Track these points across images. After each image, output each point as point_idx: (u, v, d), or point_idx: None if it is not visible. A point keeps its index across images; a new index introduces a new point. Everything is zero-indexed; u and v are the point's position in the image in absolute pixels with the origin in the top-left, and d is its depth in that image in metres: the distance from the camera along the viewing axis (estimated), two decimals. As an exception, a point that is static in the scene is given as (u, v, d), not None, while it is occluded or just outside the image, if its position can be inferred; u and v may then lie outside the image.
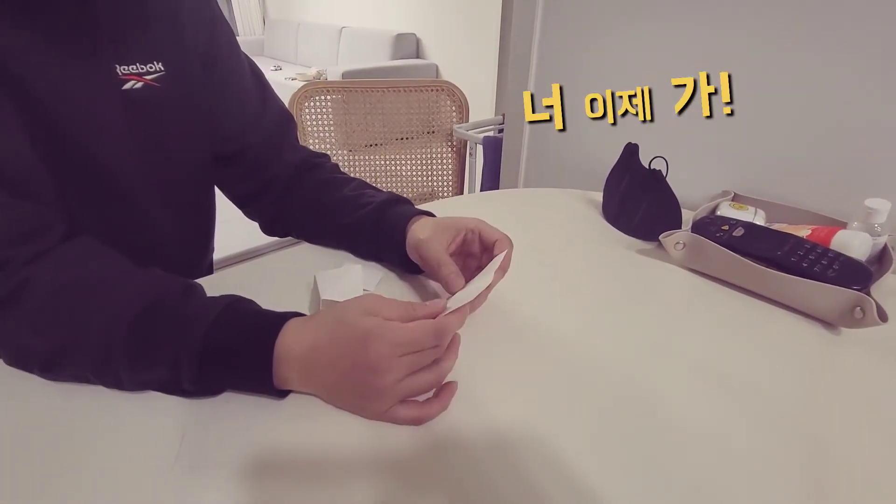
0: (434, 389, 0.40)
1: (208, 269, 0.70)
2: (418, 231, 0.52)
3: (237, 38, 0.58)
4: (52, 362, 0.39)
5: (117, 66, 0.46)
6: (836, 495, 0.35)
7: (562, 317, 0.53)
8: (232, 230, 0.89)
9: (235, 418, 0.38)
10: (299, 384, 0.39)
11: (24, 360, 0.40)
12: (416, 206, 0.59)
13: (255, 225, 0.68)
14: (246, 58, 0.60)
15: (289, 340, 0.37)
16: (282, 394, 0.39)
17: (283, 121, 0.64)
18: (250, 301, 0.42)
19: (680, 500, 0.34)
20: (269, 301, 0.42)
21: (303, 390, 0.40)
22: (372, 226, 0.56)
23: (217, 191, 0.65)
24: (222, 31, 0.56)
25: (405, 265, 0.55)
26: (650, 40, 0.85)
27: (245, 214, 0.67)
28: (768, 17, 0.72)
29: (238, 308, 0.40)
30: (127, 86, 0.47)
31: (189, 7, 0.51)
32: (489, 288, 0.46)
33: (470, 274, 0.51)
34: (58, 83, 0.43)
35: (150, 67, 0.48)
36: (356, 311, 0.38)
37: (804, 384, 0.45)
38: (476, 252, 0.53)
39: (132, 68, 0.47)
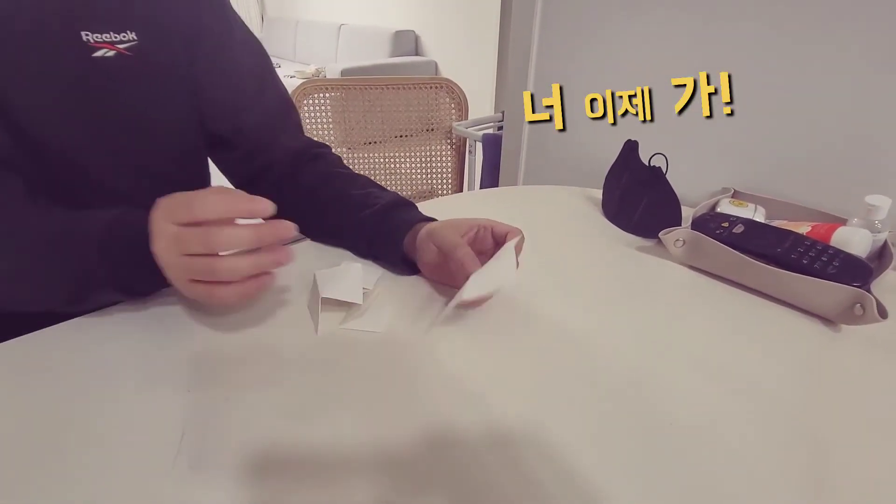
0: None
1: None
2: (431, 224, 0.53)
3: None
4: None
5: (87, 33, 0.45)
6: (836, 492, 0.35)
7: (561, 314, 0.53)
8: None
9: (235, 417, 0.38)
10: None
11: None
12: (421, 213, 0.58)
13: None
14: (251, 38, 0.59)
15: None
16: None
17: (283, 106, 0.62)
18: None
19: (679, 495, 0.34)
20: (270, 299, 0.42)
21: None
22: (374, 226, 0.56)
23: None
24: (209, 6, 0.54)
25: (403, 267, 0.55)
26: (650, 39, 0.85)
27: None
28: (768, 15, 0.72)
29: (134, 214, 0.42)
30: (98, 53, 0.45)
31: None
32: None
33: None
34: (22, 54, 0.42)
35: (124, 37, 0.47)
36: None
37: (804, 381, 0.45)
38: (489, 249, 0.52)
39: (104, 37, 0.46)
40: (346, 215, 0.58)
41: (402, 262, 0.55)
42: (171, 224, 0.37)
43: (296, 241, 0.65)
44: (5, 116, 0.43)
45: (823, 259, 0.54)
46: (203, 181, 0.62)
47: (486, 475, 0.35)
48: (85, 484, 0.33)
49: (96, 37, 0.45)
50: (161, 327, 0.48)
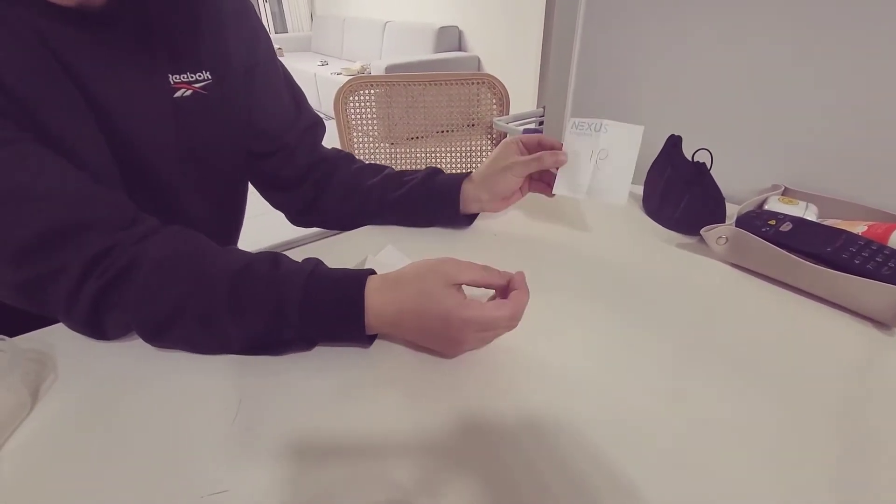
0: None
1: None
2: (477, 178, 0.63)
3: (287, 34, 0.63)
4: (161, 328, 0.43)
5: (170, 75, 0.50)
6: (880, 499, 0.34)
7: (599, 310, 0.53)
8: (268, 222, 0.94)
9: (287, 393, 0.41)
10: (388, 333, 0.46)
11: (138, 330, 0.44)
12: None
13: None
14: (282, 65, 0.65)
15: (376, 302, 0.42)
16: (371, 340, 0.45)
17: (315, 123, 0.69)
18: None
19: (716, 496, 0.34)
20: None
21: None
22: (425, 192, 0.63)
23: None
24: (262, 41, 0.60)
25: (457, 221, 0.65)
26: (695, 31, 0.83)
27: (273, 205, 0.72)
28: (822, 4, 0.68)
29: (324, 268, 0.45)
30: (178, 94, 0.51)
31: (233, 18, 0.55)
32: None
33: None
34: (121, 92, 0.47)
35: (199, 76, 0.52)
36: (439, 285, 0.42)
37: (854, 385, 0.44)
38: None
39: (183, 77, 0.51)
40: (391, 192, 0.65)
41: (456, 215, 0.64)
42: (475, 333, 0.42)
43: (326, 235, 0.69)
44: (117, 149, 0.49)
45: (878, 259, 0.52)
46: (243, 187, 0.69)
47: (521, 460, 0.36)
48: (148, 443, 0.37)
49: (175, 78, 0.51)
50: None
